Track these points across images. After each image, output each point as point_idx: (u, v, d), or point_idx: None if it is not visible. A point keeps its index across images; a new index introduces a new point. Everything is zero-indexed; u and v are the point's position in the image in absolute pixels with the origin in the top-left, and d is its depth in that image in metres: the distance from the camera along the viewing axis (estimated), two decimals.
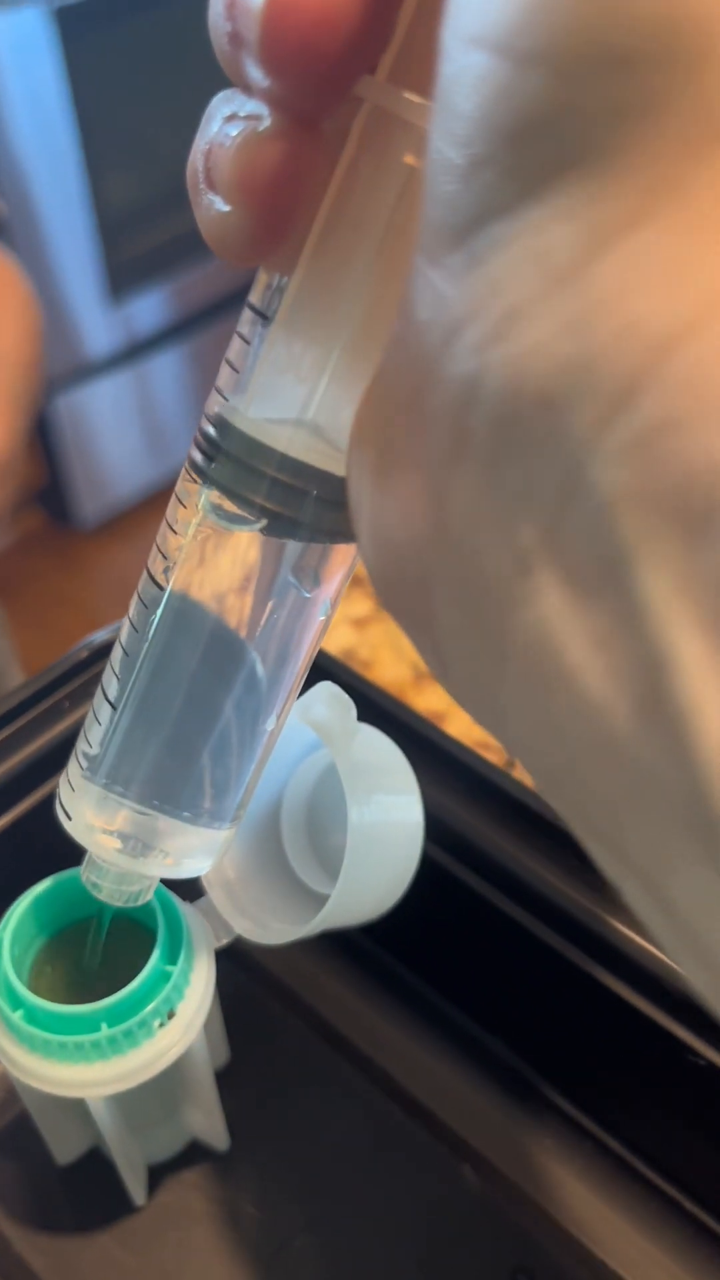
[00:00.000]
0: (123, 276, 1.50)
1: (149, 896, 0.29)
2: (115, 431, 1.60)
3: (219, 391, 0.20)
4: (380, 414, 0.15)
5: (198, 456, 0.21)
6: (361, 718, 0.37)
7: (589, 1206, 0.39)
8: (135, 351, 1.57)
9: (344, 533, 0.21)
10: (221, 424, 0.20)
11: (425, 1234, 0.38)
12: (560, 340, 0.12)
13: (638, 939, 0.36)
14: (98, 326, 1.51)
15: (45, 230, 1.39)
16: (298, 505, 0.20)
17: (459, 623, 0.14)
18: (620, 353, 0.11)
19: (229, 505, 0.21)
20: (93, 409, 1.56)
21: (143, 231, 1.49)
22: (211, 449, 0.20)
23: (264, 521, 0.20)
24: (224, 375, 0.20)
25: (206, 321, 1.63)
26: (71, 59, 1.32)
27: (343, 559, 0.22)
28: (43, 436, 1.55)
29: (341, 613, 0.54)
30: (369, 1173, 0.39)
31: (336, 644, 0.52)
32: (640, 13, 0.11)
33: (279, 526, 0.20)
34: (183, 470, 0.21)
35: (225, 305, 1.63)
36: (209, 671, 0.23)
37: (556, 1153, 0.40)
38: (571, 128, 0.12)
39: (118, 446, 1.62)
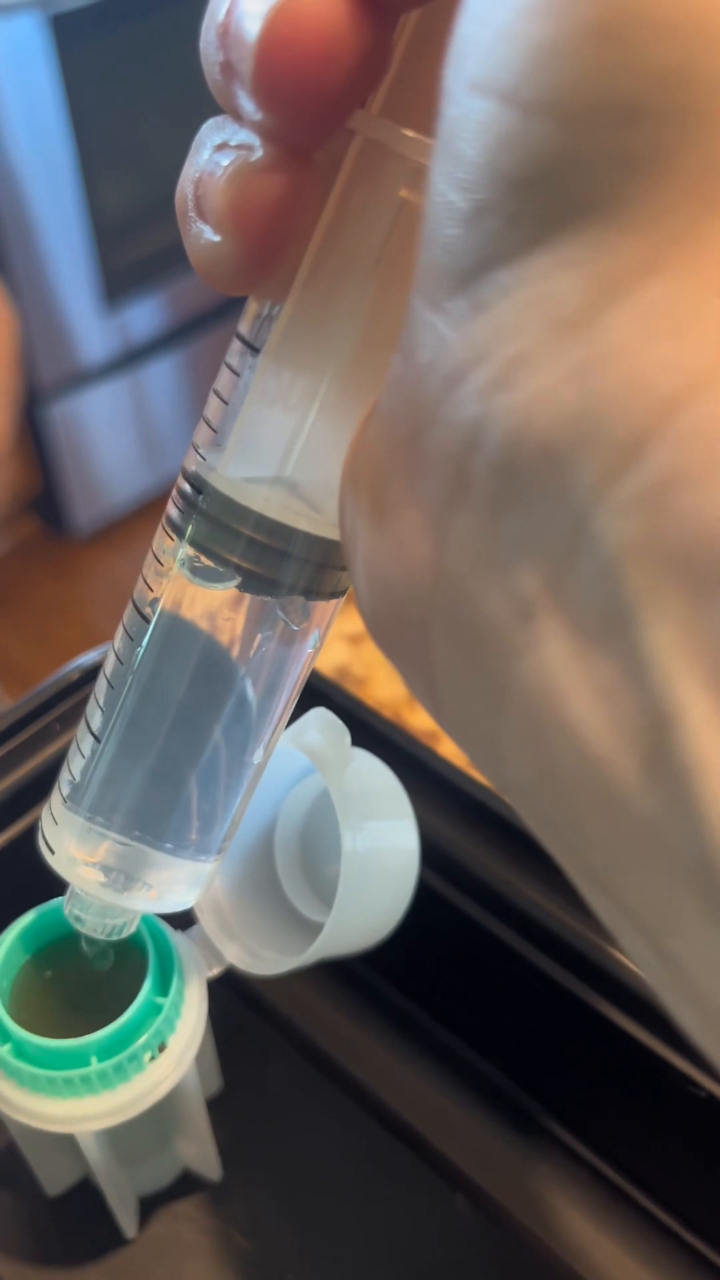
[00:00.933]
0: (118, 283, 1.49)
1: (133, 929, 0.28)
2: (110, 439, 1.60)
3: (196, 449, 0.20)
4: (377, 453, 0.15)
5: (174, 513, 0.21)
6: (355, 740, 0.36)
7: (585, 1236, 0.38)
8: (131, 359, 1.57)
9: (323, 591, 0.21)
10: (198, 481, 0.20)
11: (419, 1264, 0.38)
12: (567, 389, 0.12)
13: (634, 966, 0.35)
14: (93, 333, 1.50)
15: (40, 237, 1.38)
16: (275, 565, 0.20)
17: (456, 666, 0.14)
18: (628, 405, 0.11)
19: (205, 561, 0.20)
20: (88, 416, 1.55)
21: (138, 238, 1.49)
22: (188, 507, 0.20)
23: (238, 579, 0.20)
24: (201, 433, 0.20)
25: (202, 329, 1.62)
26: (67, 65, 1.32)
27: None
28: (37, 444, 1.54)
29: (336, 629, 0.53)
30: (363, 1202, 0.39)
31: (330, 661, 0.52)
32: (650, 65, 0.11)
33: (256, 585, 0.20)
34: (160, 525, 0.21)
35: (221, 313, 1.63)
36: (195, 704, 0.23)
37: (552, 1181, 0.39)
38: (579, 178, 0.11)
39: (113, 454, 1.61)
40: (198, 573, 0.21)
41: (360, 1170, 0.40)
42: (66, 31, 1.30)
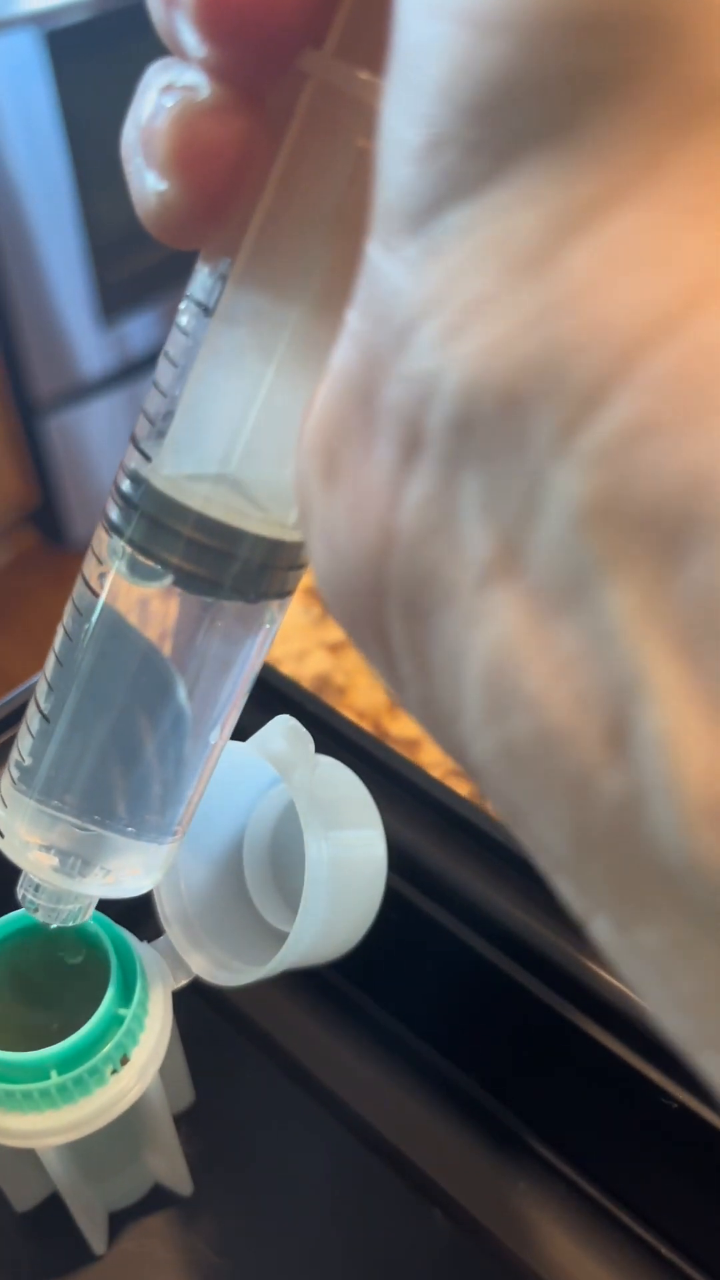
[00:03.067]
0: (115, 297, 1.50)
1: (88, 915, 0.28)
2: (108, 452, 1.60)
3: (135, 444, 0.20)
4: (330, 413, 0.14)
5: (113, 512, 0.20)
6: (330, 749, 0.36)
7: (563, 1252, 0.38)
8: (128, 372, 1.57)
9: (269, 592, 0.20)
10: (136, 478, 0.19)
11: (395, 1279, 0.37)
12: (525, 337, 0.11)
13: (610, 978, 0.35)
14: (90, 347, 1.51)
15: (38, 251, 1.39)
16: (217, 566, 0.19)
17: (413, 640, 0.13)
18: (590, 351, 0.10)
19: (144, 560, 0.20)
20: (86, 429, 1.56)
21: (135, 253, 1.49)
22: (126, 505, 0.20)
23: (170, 577, 0.20)
24: (140, 425, 0.20)
25: None
26: (63, 81, 1.33)
27: None
28: (35, 457, 1.55)
29: (316, 638, 0.53)
30: (336, 1217, 0.38)
31: (311, 670, 0.52)
32: None
33: (196, 585, 0.20)
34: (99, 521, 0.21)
35: None
36: (148, 680, 0.22)
37: (530, 1196, 0.39)
38: (537, 101, 0.11)
39: (111, 467, 1.61)
40: (136, 570, 0.20)
41: (335, 1185, 0.39)
42: (63, 47, 1.31)
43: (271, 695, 0.42)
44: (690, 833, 0.10)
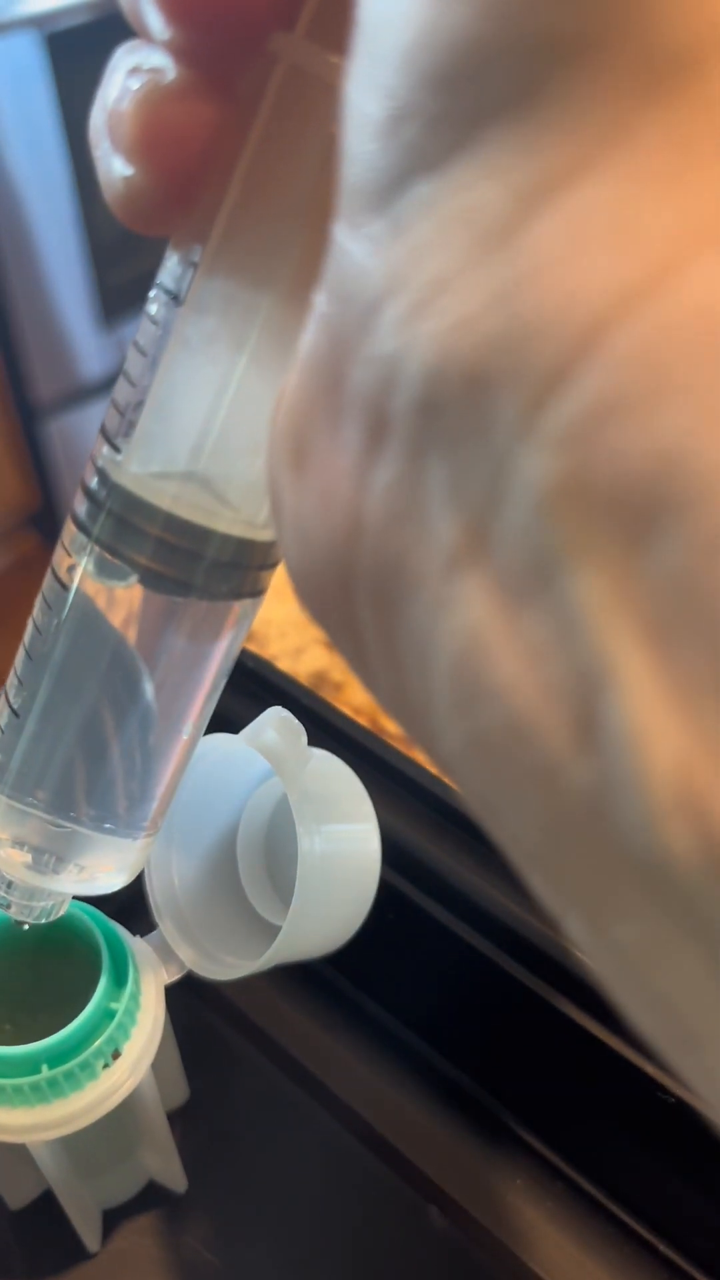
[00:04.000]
0: (115, 300, 1.50)
1: (62, 911, 0.27)
2: None
3: (104, 436, 0.19)
4: (299, 398, 0.14)
5: (80, 510, 0.20)
6: (326, 744, 0.36)
7: (560, 1250, 0.37)
8: None
9: (241, 592, 0.20)
10: (104, 476, 0.19)
11: (391, 1277, 0.37)
12: (489, 314, 0.10)
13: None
14: (91, 350, 1.51)
15: (38, 254, 1.39)
16: (186, 567, 0.19)
17: (381, 630, 0.13)
18: (555, 328, 0.10)
19: (110, 559, 0.20)
20: (86, 432, 1.56)
21: (135, 255, 1.49)
22: (93, 504, 0.19)
23: (135, 576, 0.19)
24: (109, 419, 0.19)
25: None
26: (63, 84, 1.33)
27: None
28: (36, 459, 1.55)
29: (313, 634, 0.53)
30: (332, 1214, 0.38)
31: (307, 666, 0.51)
32: None
33: (166, 586, 0.19)
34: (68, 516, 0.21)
35: None
36: (120, 674, 0.22)
37: (527, 1193, 0.38)
38: (500, 69, 0.10)
39: None
40: (102, 569, 0.20)
41: (330, 1182, 0.39)
42: (63, 50, 1.31)
43: (267, 690, 0.42)
44: (660, 826, 0.10)
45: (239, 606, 0.21)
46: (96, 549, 0.20)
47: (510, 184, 0.10)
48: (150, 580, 0.20)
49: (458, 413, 0.11)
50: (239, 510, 0.19)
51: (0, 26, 1.26)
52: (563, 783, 0.10)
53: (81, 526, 0.20)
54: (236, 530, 0.19)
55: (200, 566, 0.19)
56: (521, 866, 0.13)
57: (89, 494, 0.20)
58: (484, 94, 0.11)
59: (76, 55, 1.33)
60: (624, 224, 0.10)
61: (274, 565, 0.21)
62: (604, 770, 0.10)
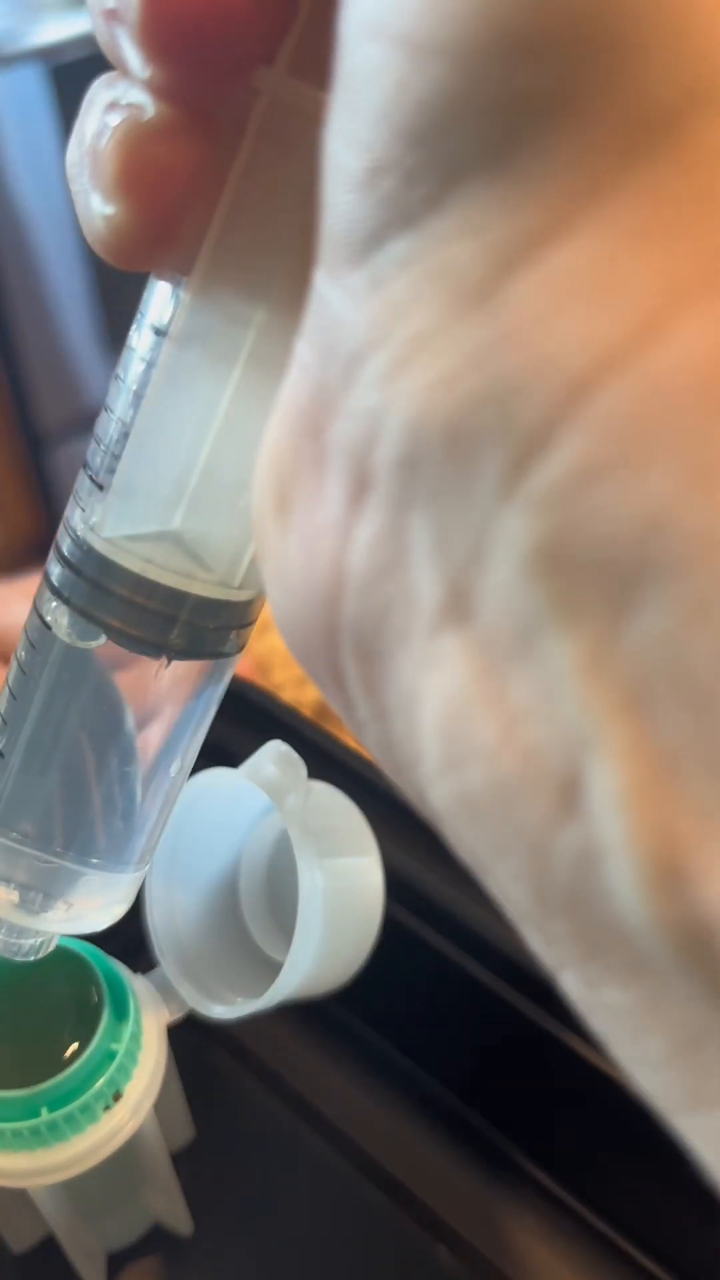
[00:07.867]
0: (121, 328, 1.50)
1: (51, 948, 0.27)
2: None
3: (76, 499, 0.19)
4: (282, 447, 0.14)
5: (52, 571, 0.20)
6: (328, 776, 0.35)
7: None
8: None
9: (218, 652, 0.20)
10: (76, 538, 0.19)
11: None
12: (468, 373, 0.10)
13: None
14: (98, 377, 1.51)
15: (44, 283, 1.40)
16: (158, 629, 0.19)
17: (368, 682, 0.13)
18: (536, 387, 0.10)
19: (81, 619, 0.20)
20: None
21: (140, 282, 1.50)
22: (65, 567, 0.19)
23: (103, 639, 0.19)
24: (81, 481, 0.19)
25: None
26: (68, 116, 1.34)
27: None
28: (43, 488, 1.55)
29: None
30: (340, 1254, 0.37)
31: (312, 695, 0.51)
32: None
33: (137, 646, 0.19)
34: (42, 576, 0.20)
35: None
36: (104, 711, 0.22)
37: (539, 1232, 0.38)
38: (475, 127, 0.10)
39: None
40: (74, 626, 0.20)
41: (338, 1221, 0.38)
42: (68, 82, 1.32)
43: (269, 722, 0.41)
44: (645, 893, 0.09)
45: (215, 663, 0.21)
46: (67, 610, 0.20)
47: (487, 242, 0.10)
48: (122, 641, 0.19)
49: (439, 470, 0.11)
50: (213, 571, 0.19)
51: (6, 59, 1.27)
52: (550, 846, 0.10)
53: (54, 590, 0.20)
54: (211, 593, 0.19)
55: (173, 629, 0.19)
56: (516, 921, 0.12)
57: (61, 557, 0.19)
58: (460, 150, 0.10)
59: (81, 88, 1.32)
60: (604, 283, 0.10)
61: (251, 624, 0.20)
62: (589, 836, 0.10)
